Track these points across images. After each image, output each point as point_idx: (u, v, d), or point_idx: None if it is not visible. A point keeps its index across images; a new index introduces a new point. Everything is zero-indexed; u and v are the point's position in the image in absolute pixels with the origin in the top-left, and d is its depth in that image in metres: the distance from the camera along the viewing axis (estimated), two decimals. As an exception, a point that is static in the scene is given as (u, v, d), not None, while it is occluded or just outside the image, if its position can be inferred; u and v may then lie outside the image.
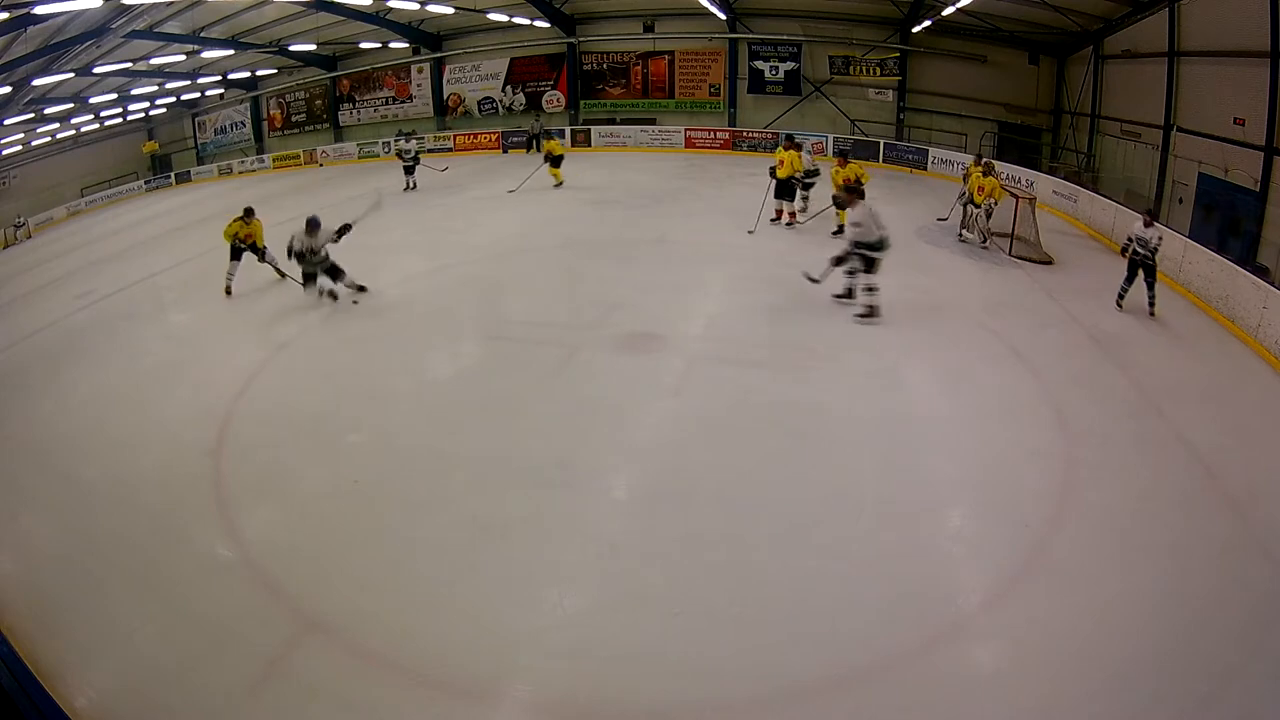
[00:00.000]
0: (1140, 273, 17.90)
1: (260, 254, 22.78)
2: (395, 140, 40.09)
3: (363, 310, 19.38)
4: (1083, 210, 26.41)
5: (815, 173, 26.38)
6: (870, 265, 17.08)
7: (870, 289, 17.27)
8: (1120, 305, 18.15)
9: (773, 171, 25.18)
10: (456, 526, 10.80)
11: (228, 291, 21.93)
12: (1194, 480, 11.56)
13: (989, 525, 10.70)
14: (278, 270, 22.56)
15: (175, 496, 11.83)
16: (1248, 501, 10.97)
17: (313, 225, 19.01)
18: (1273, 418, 13.23)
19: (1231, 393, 13.96)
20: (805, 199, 26.18)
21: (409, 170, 36.71)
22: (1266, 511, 10.74)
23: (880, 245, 16.97)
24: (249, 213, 22.69)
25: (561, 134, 46.38)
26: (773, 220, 25.34)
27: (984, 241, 22.76)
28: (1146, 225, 17.74)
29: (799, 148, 25.10)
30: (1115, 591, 9.31)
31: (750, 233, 23.75)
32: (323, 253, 19.17)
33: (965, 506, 11.23)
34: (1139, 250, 17.73)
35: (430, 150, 49.04)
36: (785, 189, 25.13)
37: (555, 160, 34.26)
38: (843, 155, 24.63)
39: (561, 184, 34.00)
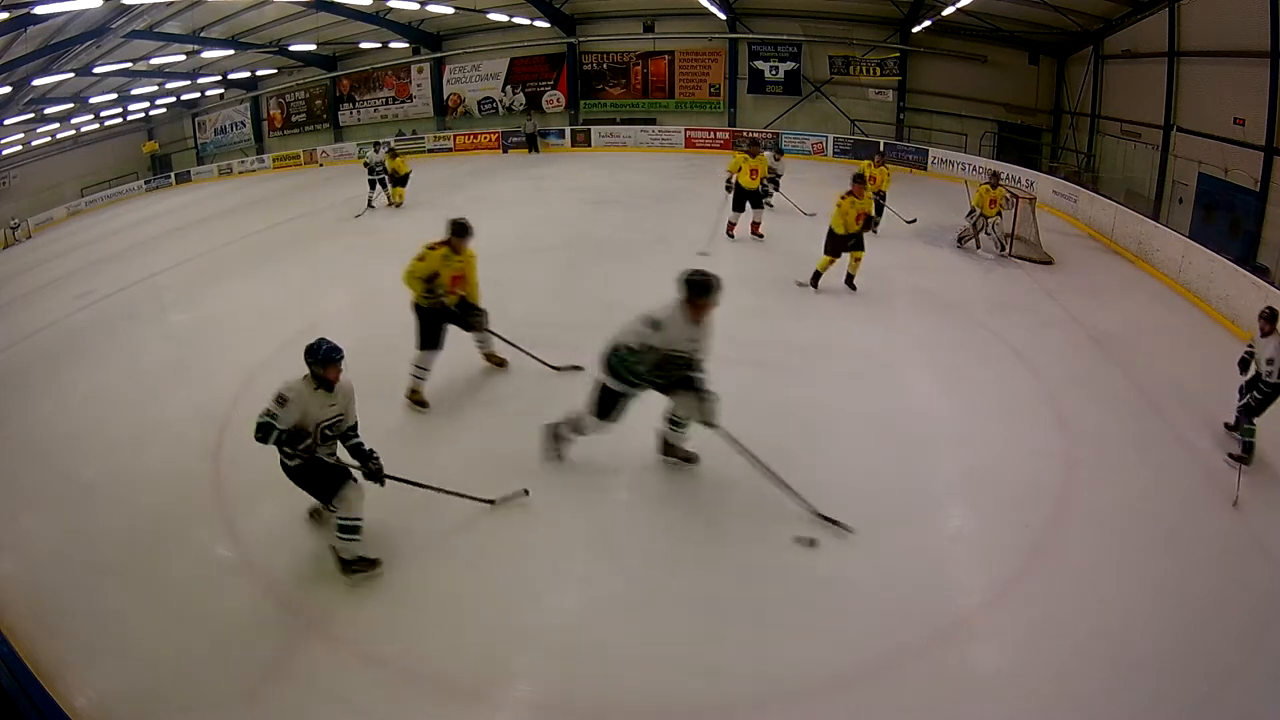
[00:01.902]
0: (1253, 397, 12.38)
1: (471, 321, 14.24)
2: (364, 150, 36.04)
3: (364, 310, 19.36)
4: (1083, 210, 26.44)
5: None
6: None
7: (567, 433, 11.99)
8: (1232, 429, 12.91)
9: (730, 183, 23.24)
10: (456, 526, 10.80)
11: (418, 401, 13.77)
12: (1194, 480, 11.58)
13: (989, 525, 10.70)
14: (492, 353, 15.24)
15: (175, 496, 11.80)
16: (1248, 501, 10.99)
17: (328, 357, 9.75)
18: (1272, 418, 13.22)
19: (1232, 393, 13.96)
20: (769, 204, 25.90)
21: (381, 184, 32.31)
22: (1266, 511, 10.75)
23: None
24: (460, 231, 13.71)
25: (561, 134, 46.92)
26: (730, 236, 23.71)
27: (1003, 250, 22.67)
28: (1264, 334, 12.17)
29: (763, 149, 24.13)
30: (1115, 591, 9.32)
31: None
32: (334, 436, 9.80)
33: (965, 506, 11.24)
34: (1265, 381, 12.08)
35: (431, 150, 49.19)
36: (754, 198, 23.35)
37: (400, 180, 32.00)
38: (859, 181, 19.27)
39: (400, 205, 31.92)
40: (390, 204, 32.01)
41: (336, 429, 9.68)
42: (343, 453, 9.97)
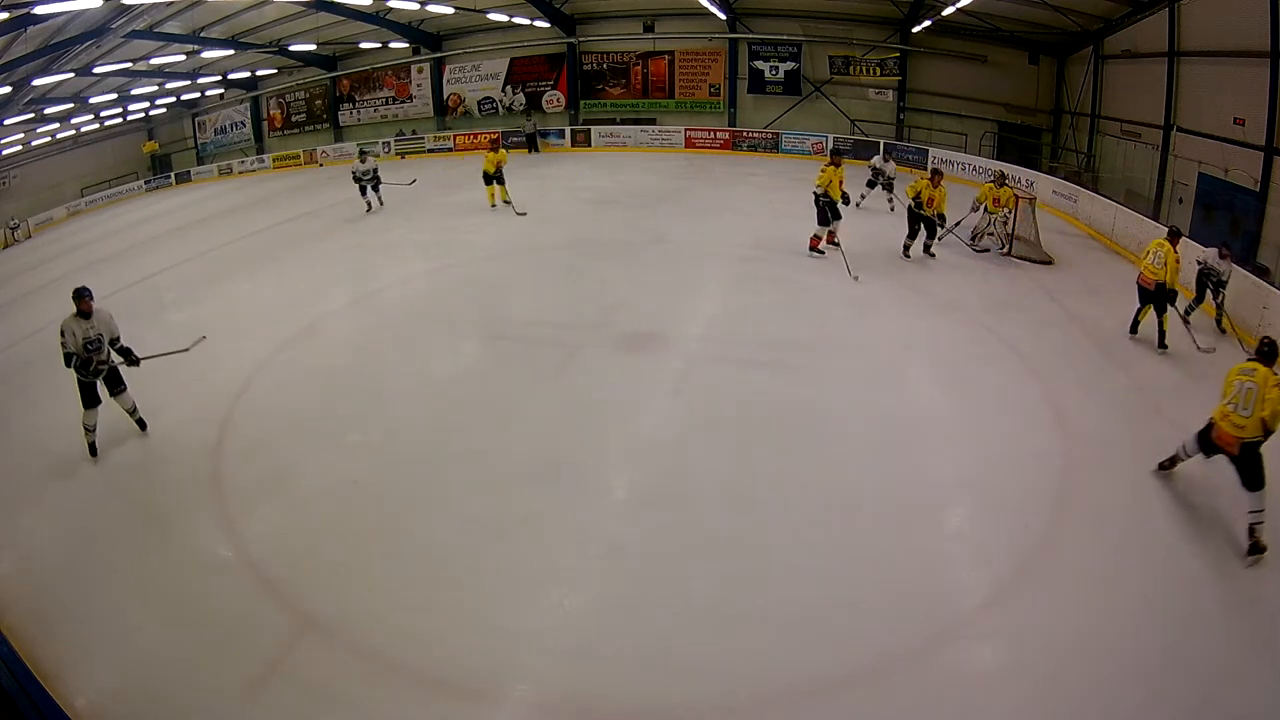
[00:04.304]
0: (1208, 294, 17.30)
1: None
2: (354, 162, 33.15)
3: (364, 309, 19.40)
4: (1083, 210, 26.40)
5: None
6: None
7: None
8: (1187, 322, 16.75)
9: (822, 199, 21.73)
10: (457, 526, 10.82)
11: None
12: (1194, 481, 11.55)
13: (989, 525, 10.70)
14: None
15: (175, 496, 11.85)
16: (1247, 502, 10.99)
17: (78, 296, 13.05)
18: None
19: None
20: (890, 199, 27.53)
21: (373, 188, 31.72)
22: (1266, 511, 10.75)
23: None
24: None
25: (561, 134, 47.12)
26: (820, 251, 22.27)
27: (1003, 248, 22.68)
28: (1221, 257, 16.95)
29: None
30: (1115, 592, 9.32)
31: (857, 278, 20.32)
32: (107, 349, 13.25)
33: (966, 506, 11.25)
34: (1211, 279, 17.12)
35: (431, 150, 49.25)
36: (834, 209, 21.88)
37: (497, 177, 29.69)
38: (937, 173, 21.87)
39: (509, 202, 29.52)
40: (496, 203, 30.22)
41: (101, 342, 13.12)
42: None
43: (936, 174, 22.02)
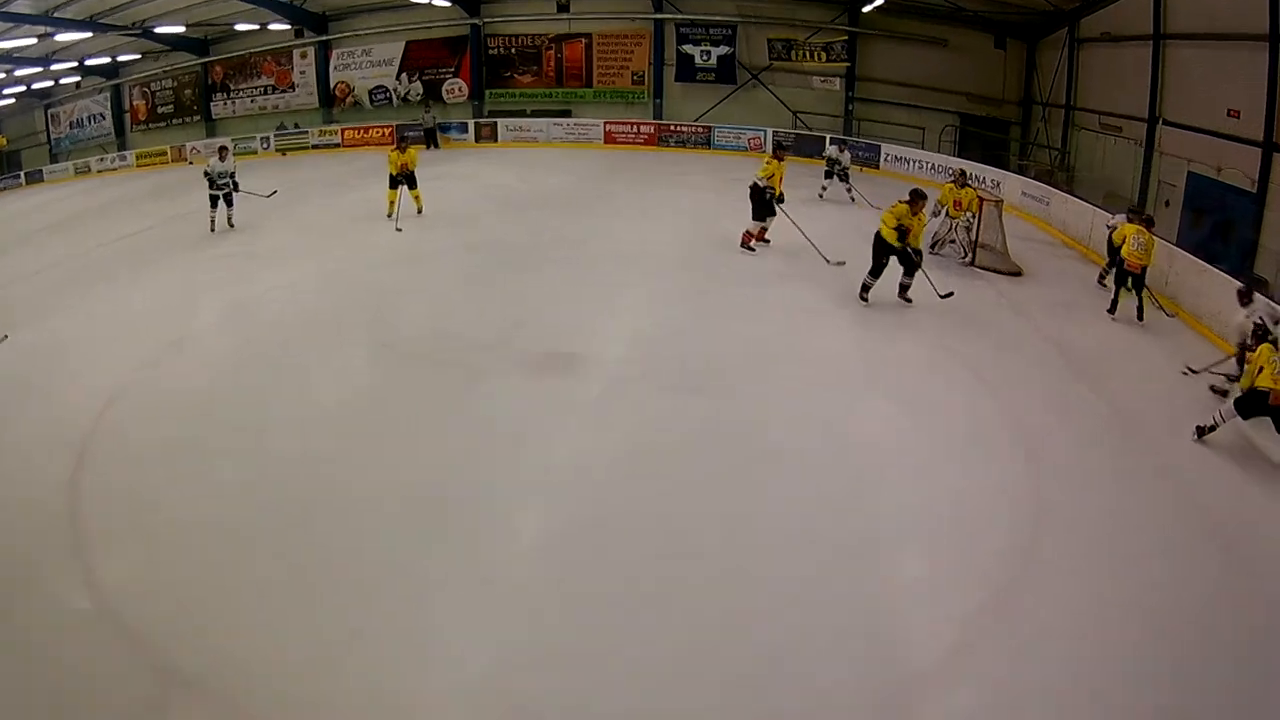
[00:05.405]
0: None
1: None
2: (210, 160, 28.93)
3: (240, 323, 19.19)
4: (1055, 214, 26.59)
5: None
6: None
7: None
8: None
9: (767, 191, 22.79)
10: (345, 572, 10.57)
11: None
12: (1178, 517, 11.67)
13: (953, 561, 10.65)
14: None
15: (25, 536, 11.35)
16: (1232, 528, 11.16)
17: None
18: (1259, 443, 13.37)
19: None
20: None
21: (225, 200, 28.35)
22: (1251, 539, 10.90)
23: None
24: None
25: (464, 127, 47.27)
26: (751, 249, 23.43)
27: (965, 256, 22.91)
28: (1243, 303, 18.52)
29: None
30: (1102, 600, 9.43)
31: (842, 264, 21.39)
32: None
33: (927, 541, 11.23)
34: None
35: (316, 146, 48.92)
36: (769, 206, 22.95)
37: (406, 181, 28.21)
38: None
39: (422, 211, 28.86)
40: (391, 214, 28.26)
41: None
42: None
43: (918, 197, 18.98)
